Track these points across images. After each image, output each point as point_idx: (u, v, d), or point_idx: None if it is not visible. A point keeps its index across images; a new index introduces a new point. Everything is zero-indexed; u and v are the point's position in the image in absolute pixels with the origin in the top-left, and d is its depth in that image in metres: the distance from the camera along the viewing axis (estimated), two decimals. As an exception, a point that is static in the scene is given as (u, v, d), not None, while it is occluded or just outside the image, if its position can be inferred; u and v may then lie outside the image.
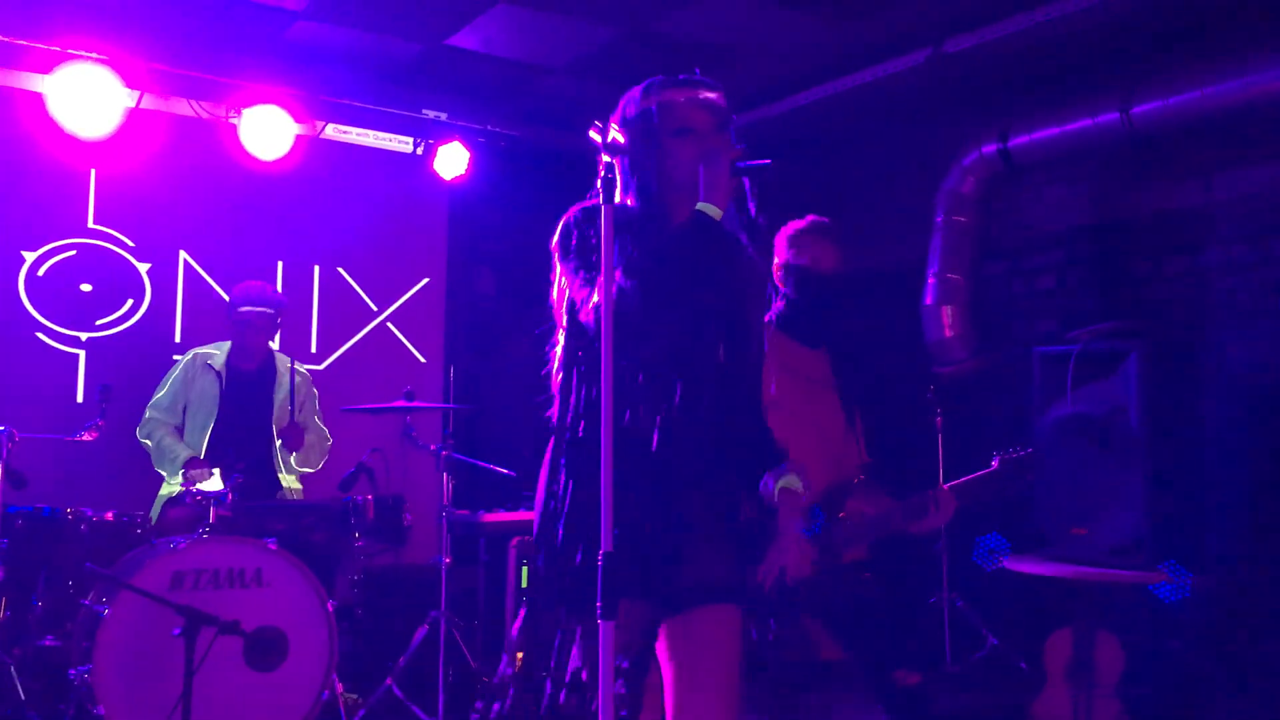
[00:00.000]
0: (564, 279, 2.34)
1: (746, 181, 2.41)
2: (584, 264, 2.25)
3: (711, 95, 2.42)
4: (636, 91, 2.47)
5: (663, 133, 2.38)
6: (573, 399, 2.29)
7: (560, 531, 2.19)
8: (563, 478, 2.22)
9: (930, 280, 5.92)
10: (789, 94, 6.14)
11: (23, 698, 4.05)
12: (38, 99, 5.35)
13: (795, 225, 3.37)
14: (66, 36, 5.22)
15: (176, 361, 5.21)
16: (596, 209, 2.20)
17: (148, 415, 5.07)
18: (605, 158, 2.18)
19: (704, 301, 2.30)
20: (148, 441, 5.05)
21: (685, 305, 2.27)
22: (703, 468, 2.30)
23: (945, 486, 3.26)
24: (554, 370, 2.40)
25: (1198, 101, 4.81)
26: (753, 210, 2.43)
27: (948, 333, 5.86)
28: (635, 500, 2.16)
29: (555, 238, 2.37)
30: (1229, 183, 5.05)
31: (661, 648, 2.29)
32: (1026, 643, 5.40)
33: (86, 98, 5.25)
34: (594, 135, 2.22)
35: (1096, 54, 5.24)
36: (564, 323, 2.37)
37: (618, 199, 2.37)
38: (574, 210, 2.36)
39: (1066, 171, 5.68)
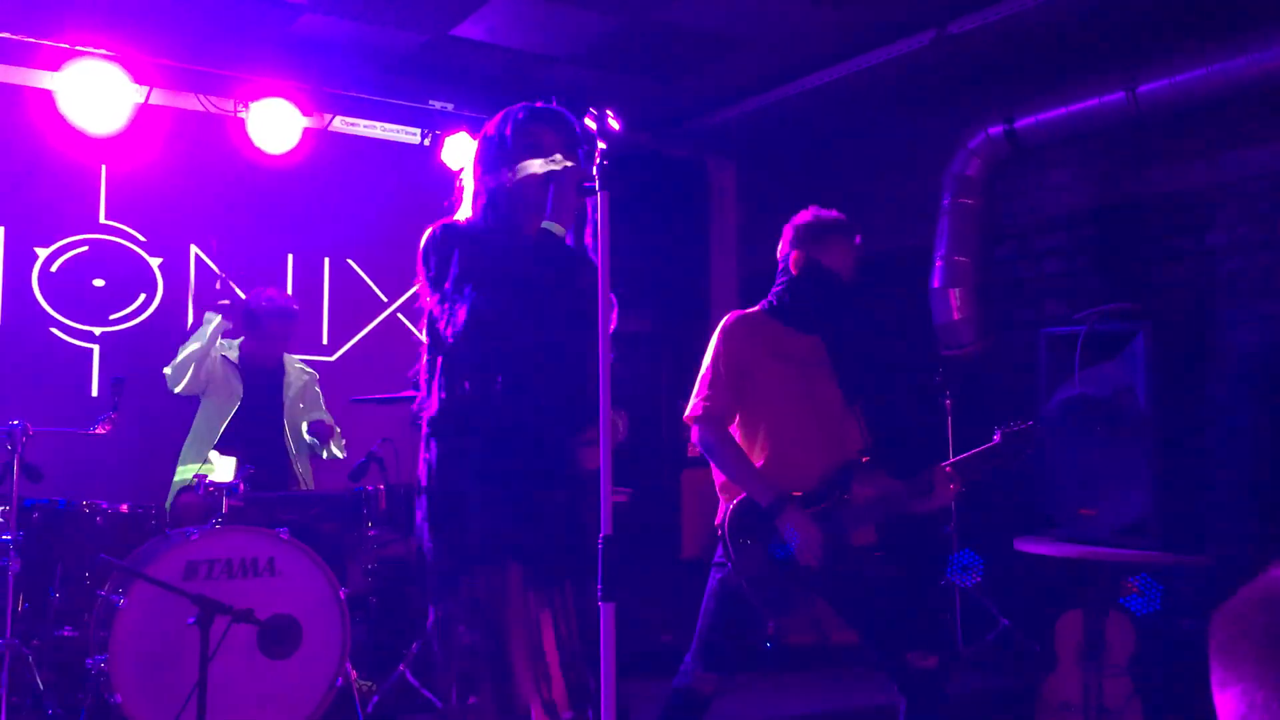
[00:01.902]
0: (424, 292, 2.58)
1: (589, 204, 2.55)
2: (439, 283, 2.52)
3: (564, 122, 2.66)
4: (497, 117, 2.72)
5: (516, 154, 2.60)
6: (433, 399, 2.52)
7: (426, 515, 2.47)
8: (426, 470, 2.49)
9: (938, 263, 5.92)
10: (793, 79, 6.14)
11: (41, 688, 4.10)
12: (47, 96, 5.39)
13: (817, 217, 3.33)
14: (75, 34, 5.25)
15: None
16: (454, 229, 2.55)
17: (178, 359, 5.09)
18: (601, 144, 2.20)
19: (547, 311, 2.47)
20: (178, 363, 5.05)
21: (531, 314, 2.45)
22: (555, 460, 2.50)
23: (946, 465, 3.27)
24: (422, 369, 2.62)
25: (1204, 80, 4.80)
26: (589, 235, 2.61)
27: (955, 315, 5.86)
28: (496, 493, 2.42)
29: (419, 250, 2.63)
30: (1236, 162, 5.03)
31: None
32: (1037, 624, 5.41)
33: (96, 94, 5.29)
34: (590, 123, 2.24)
35: (1101, 33, 5.23)
36: (426, 329, 2.59)
37: (468, 214, 2.64)
38: (434, 228, 2.62)
39: (1072, 152, 5.67)
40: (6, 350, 5.58)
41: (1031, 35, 5.26)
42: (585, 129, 2.50)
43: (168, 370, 5.06)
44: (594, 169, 2.29)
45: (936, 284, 5.91)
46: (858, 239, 3.34)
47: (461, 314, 2.40)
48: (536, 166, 2.55)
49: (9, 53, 5.35)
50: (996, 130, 5.61)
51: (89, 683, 3.94)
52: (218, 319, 5.03)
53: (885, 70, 5.75)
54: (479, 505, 2.43)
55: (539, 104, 2.70)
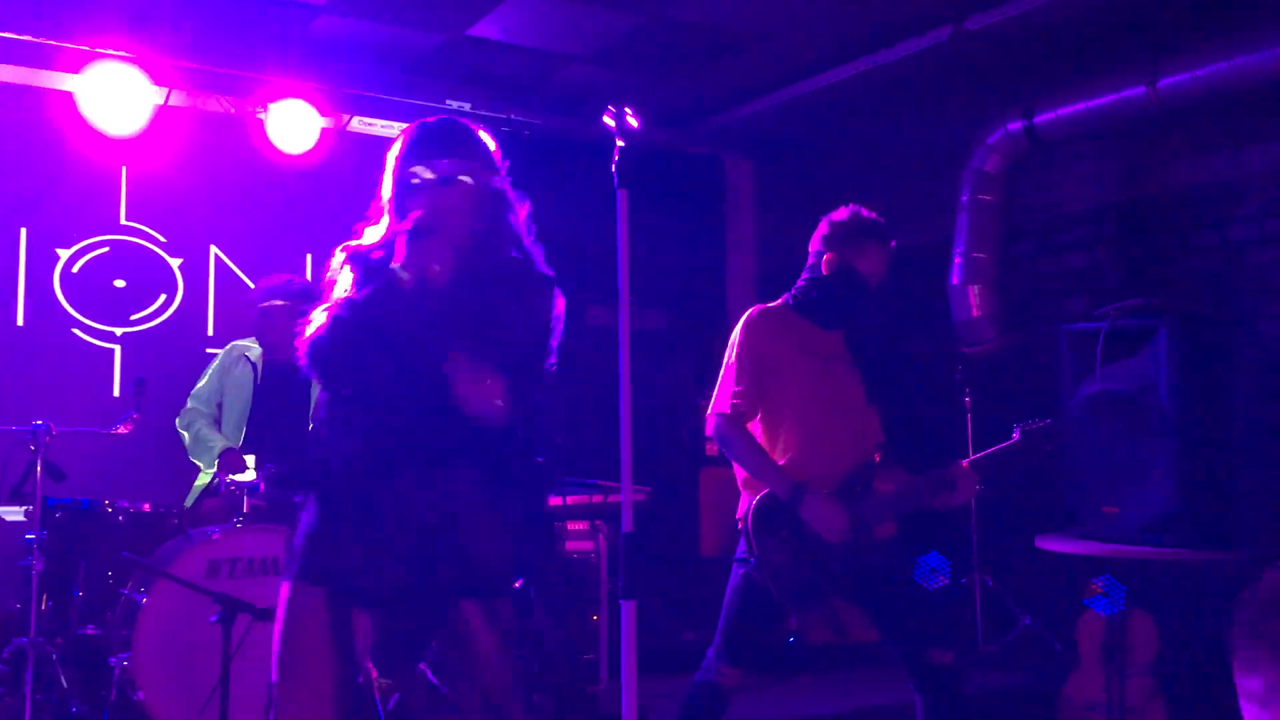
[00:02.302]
0: None
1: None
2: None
3: (445, 161, 2.51)
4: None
5: (401, 185, 2.54)
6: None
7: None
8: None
9: (956, 260, 5.89)
10: (810, 75, 6.12)
11: (65, 685, 4.12)
12: (68, 98, 5.42)
13: (857, 218, 3.30)
14: (95, 36, 5.28)
15: (215, 355, 5.27)
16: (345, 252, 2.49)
17: (188, 405, 5.13)
18: (620, 142, 2.19)
19: (397, 354, 2.33)
20: (185, 432, 5.11)
21: (375, 354, 2.33)
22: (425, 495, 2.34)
23: (965, 462, 3.26)
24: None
25: (1225, 73, 4.76)
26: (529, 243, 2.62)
27: (975, 312, 5.83)
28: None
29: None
30: (1259, 155, 4.99)
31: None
32: (1059, 622, 5.38)
33: (116, 96, 5.32)
34: (608, 120, 2.23)
35: (1121, 26, 5.19)
36: None
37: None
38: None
39: (1093, 147, 5.63)
40: (29, 351, 5.62)
41: (1050, 29, 5.23)
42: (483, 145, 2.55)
43: (181, 419, 5.10)
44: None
45: (955, 281, 5.88)
46: (893, 244, 3.32)
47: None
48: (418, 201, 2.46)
49: (30, 55, 5.39)
50: (1015, 126, 5.58)
51: (112, 681, 3.96)
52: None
53: (903, 66, 5.73)
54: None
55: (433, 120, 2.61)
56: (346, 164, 6.36)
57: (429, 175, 2.46)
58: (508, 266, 2.54)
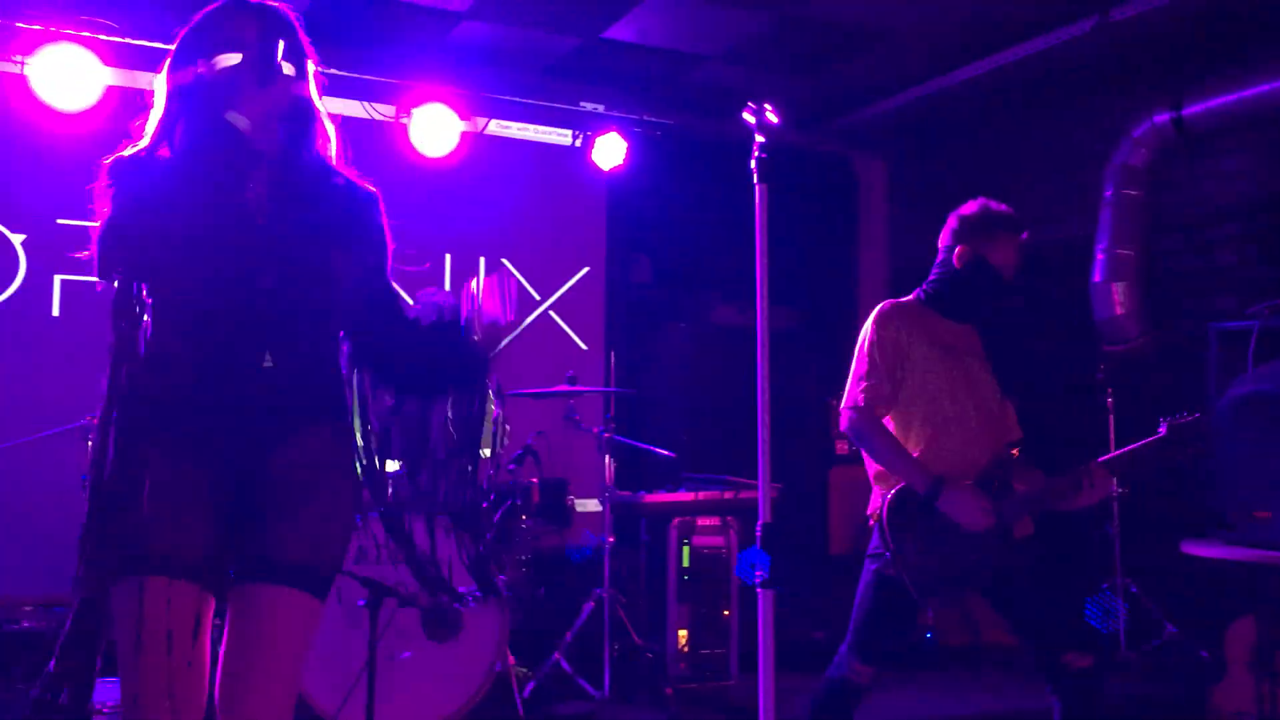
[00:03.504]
0: None
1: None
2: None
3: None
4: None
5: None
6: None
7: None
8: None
9: (1099, 256, 5.74)
10: (945, 71, 6.05)
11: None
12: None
13: (986, 210, 3.26)
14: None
15: None
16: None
17: None
18: (759, 138, 2.22)
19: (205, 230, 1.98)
20: None
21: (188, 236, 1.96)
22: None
23: (1099, 461, 3.19)
24: None
25: (1390, 60, 4.54)
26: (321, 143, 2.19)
27: (1118, 310, 5.68)
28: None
29: None
30: None
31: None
32: (1206, 630, 5.21)
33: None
34: (748, 117, 2.27)
35: (1275, 13, 4.99)
36: None
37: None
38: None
39: (1245, 139, 5.42)
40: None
41: (1200, 18, 5.06)
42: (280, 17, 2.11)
43: None
44: None
45: (1098, 278, 5.73)
46: (1025, 235, 3.28)
47: None
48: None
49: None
50: (1163, 118, 5.42)
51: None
52: None
53: (1043, 59, 5.62)
54: None
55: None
56: (484, 166, 6.55)
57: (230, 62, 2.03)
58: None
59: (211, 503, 1.98)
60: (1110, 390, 5.40)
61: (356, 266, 2.15)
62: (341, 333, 2.20)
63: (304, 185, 2.12)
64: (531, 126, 6.77)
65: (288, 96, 2.08)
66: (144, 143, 2.07)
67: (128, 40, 5.34)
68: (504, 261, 6.72)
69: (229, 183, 2.00)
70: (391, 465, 2.32)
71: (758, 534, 1.92)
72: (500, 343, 2.23)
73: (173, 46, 2.11)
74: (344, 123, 6.59)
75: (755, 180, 2.02)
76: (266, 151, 2.06)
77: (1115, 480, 3.20)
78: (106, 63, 5.28)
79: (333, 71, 5.82)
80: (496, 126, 6.66)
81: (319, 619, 2.05)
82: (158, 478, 1.90)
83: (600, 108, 6.54)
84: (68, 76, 5.18)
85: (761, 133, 2.25)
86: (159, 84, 2.10)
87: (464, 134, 6.16)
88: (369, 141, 6.25)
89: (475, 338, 2.20)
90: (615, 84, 6.40)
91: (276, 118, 2.08)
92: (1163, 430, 3.23)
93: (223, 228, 1.98)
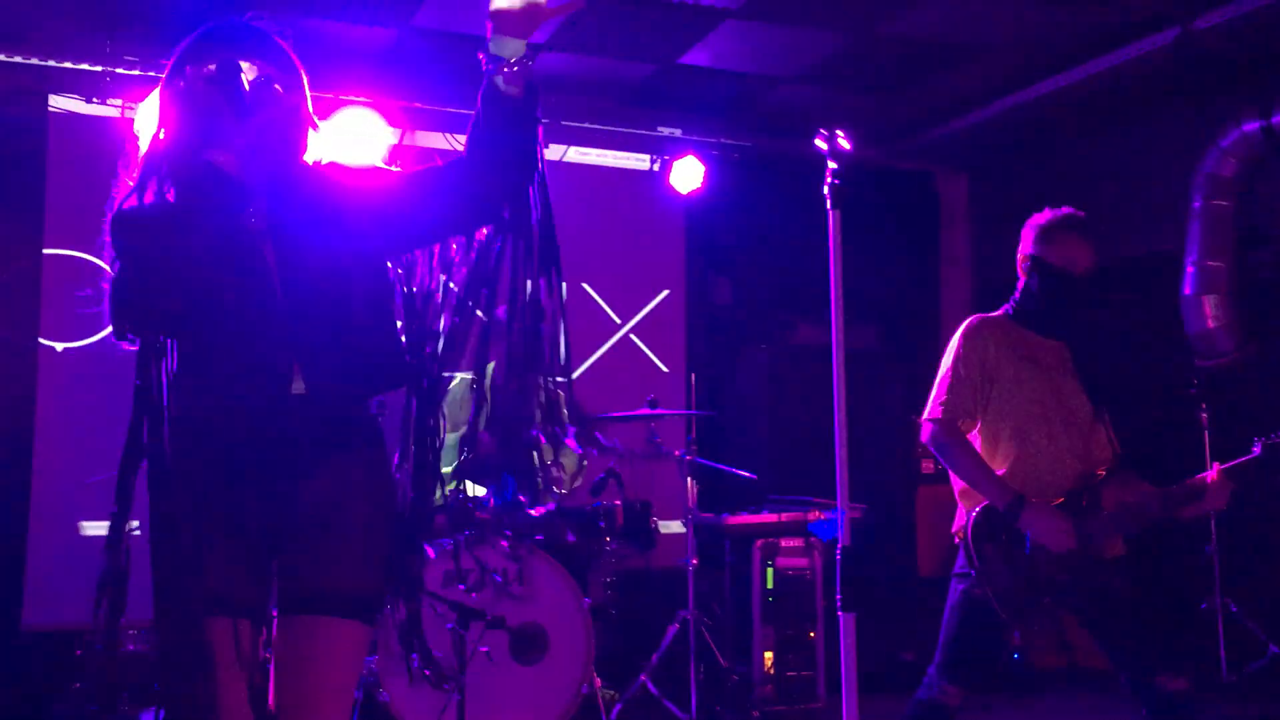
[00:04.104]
0: None
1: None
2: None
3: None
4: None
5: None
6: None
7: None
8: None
9: (1189, 269, 5.63)
10: (1026, 85, 5.99)
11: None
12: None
13: (1048, 216, 3.27)
14: (339, 86, 5.71)
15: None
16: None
17: None
18: (831, 164, 2.24)
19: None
20: None
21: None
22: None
23: (1220, 469, 3.11)
24: None
25: None
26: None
27: (1210, 324, 5.55)
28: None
29: None
30: None
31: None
32: (1312, 652, 5.05)
33: (357, 140, 5.72)
34: (819, 144, 2.29)
35: (1369, 17, 4.87)
36: None
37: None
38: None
39: (1340, 146, 5.28)
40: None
41: (1288, 24, 4.95)
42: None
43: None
44: None
45: (1188, 291, 5.61)
46: (1083, 229, 3.23)
47: None
48: None
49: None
50: (1252, 126, 5.30)
51: (361, 681, 4.26)
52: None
53: (1126, 71, 5.53)
54: None
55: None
56: (564, 192, 6.61)
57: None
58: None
59: (253, 538, 1.99)
60: (1204, 405, 5.27)
61: (366, 215, 2.07)
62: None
63: (300, 197, 2.06)
64: (610, 152, 6.85)
65: (269, 121, 2.01)
66: (132, 185, 2.04)
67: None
68: (584, 286, 6.81)
69: (223, 221, 1.96)
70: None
71: (838, 557, 1.93)
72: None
73: (162, 75, 2.07)
74: (427, 155, 6.76)
75: (829, 206, 2.03)
76: (254, 180, 2.00)
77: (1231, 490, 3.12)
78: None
79: (417, 106, 5.98)
80: (575, 154, 6.76)
81: (368, 645, 2.05)
82: (203, 519, 1.93)
83: (677, 132, 6.59)
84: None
85: (833, 159, 2.27)
86: (143, 117, 2.07)
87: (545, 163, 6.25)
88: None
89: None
90: (692, 108, 6.46)
91: (260, 144, 1.99)
92: (1257, 450, 3.16)
93: (226, 267, 1.94)
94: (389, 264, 2.15)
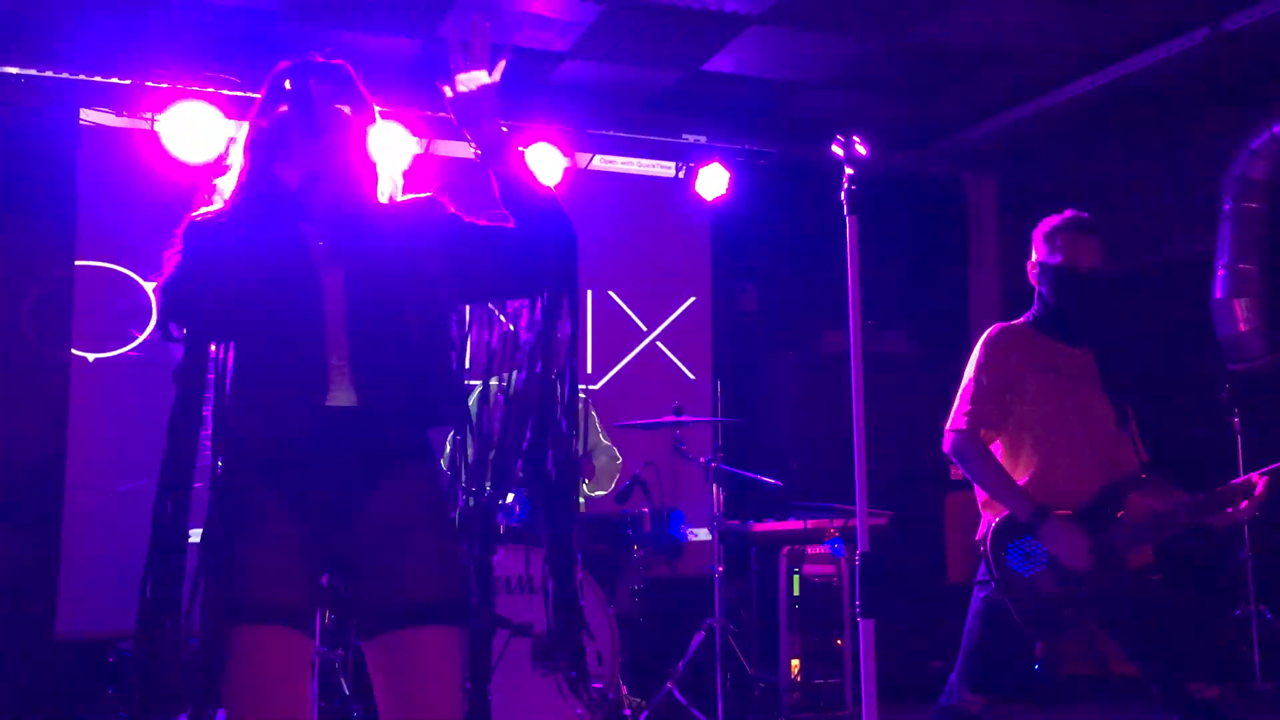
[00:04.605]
0: None
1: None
2: None
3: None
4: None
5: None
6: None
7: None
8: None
9: (1220, 272, 5.56)
10: (1054, 88, 5.96)
11: (348, 692, 4.49)
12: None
13: (1050, 221, 3.27)
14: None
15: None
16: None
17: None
18: (848, 170, 2.24)
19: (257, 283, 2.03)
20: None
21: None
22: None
23: (1258, 474, 3.06)
24: None
25: None
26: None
27: (1242, 327, 5.49)
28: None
29: None
30: None
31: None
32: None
33: (382, 148, 5.76)
34: (836, 150, 2.29)
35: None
36: None
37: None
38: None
39: (1374, 146, 5.21)
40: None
41: (1319, 24, 4.90)
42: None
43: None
44: None
45: (1219, 294, 5.55)
46: (1084, 227, 3.20)
47: None
48: None
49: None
50: (1283, 128, 5.24)
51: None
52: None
53: (1154, 73, 5.49)
54: None
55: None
56: (589, 200, 6.65)
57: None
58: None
59: (311, 552, 2.01)
60: (1236, 410, 5.21)
61: (442, 260, 2.16)
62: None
63: (363, 222, 2.14)
64: (635, 160, 6.87)
65: (338, 144, 2.11)
66: (218, 202, 2.16)
67: (249, 94, 5.61)
68: (611, 294, 6.82)
69: (283, 234, 2.06)
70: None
71: (857, 563, 1.92)
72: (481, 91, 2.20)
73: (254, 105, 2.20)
74: (451, 164, 6.80)
75: (846, 212, 2.03)
76: (317, 200, 2.11)
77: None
78: (229, 116, 5.55)
79: (440, 115, 6.01)
80: (600, 161, 6.77)
81: (464, 646, 2.07)
82: (259, 529, 1.98)
83: (702, 139, 6.60)
84: (194, 131, 5.46)
85: (850, 165, 2.27)
86: (236, 146, 2.18)
87: (567, 170, 6.27)
88: (476, 181, 6.41)
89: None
90: (717, 115, 6.46)
91: (327, 165, 2.10)
92: None
93: (283, 280, 2.02)
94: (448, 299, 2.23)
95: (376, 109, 2.24)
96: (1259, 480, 3.03)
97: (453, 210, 2.27)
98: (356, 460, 2.02)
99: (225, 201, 2.14)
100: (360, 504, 2.02)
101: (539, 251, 2.20)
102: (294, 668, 1.97)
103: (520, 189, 2.23)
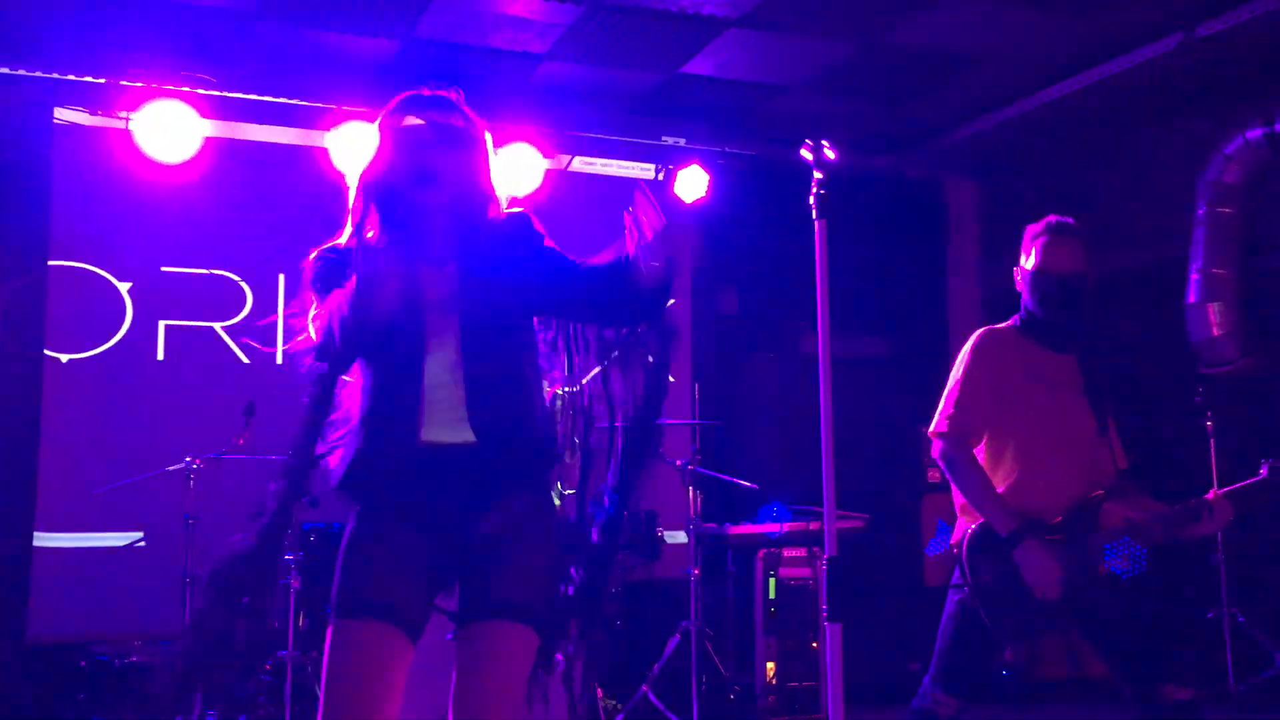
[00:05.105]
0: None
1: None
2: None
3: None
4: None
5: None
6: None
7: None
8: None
9: (1193, 276, 5.59)
10: (1031, 93, 5.98)
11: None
12: (321, 153, 5.89)
13: (1031, 228, 3.28)
14: (343, 94, 5.73)
15: None
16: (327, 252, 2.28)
17: None
18: (817, 174, 2.24)
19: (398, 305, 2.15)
20: None
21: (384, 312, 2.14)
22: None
23: (1221, 492, 3.09)
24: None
25: None
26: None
27: (1215, 331, 5.51)
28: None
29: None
30: None
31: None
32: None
33: (359, 150, 5.75)
34: (805, 154, 2.29)
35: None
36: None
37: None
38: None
39: (1347, 152, 5.24)
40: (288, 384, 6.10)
41: (1291, 31, 4.93)
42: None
43: None
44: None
45: (1193, 299, 5.58)
46: (1064, 231, 3.21)
47: None
48: None
49: (285, 115, 5.89)
50: (1255, 134, 5.27)
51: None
52: None
53: (1130, 78, 5.52)
54: None
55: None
56: (568, 202, 6.64)
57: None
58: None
59: (422, 562, 2.16)
60: (1209, 414, 5.23)
61: (540, 286, 2.28)
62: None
63: (484, 251, 2.25)
64: (614, 162, 6.86)
65: (459, 179, 2.24)
66: (347, 232, 2.28)
67: (224, 94, 5.58)
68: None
69: (417, 270, 2.17)
70: None
71: (822, 569, 1.92)
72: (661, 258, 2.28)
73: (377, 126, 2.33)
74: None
75: (814, 216, 2.03)
76: (454, 223, 2.24)
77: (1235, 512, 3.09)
78: (204, 115, 5.52)
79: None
80: (580, 163, 6.76)
81: (535, 650, 2.18)
82: (378, 541, 2.16)
83: (682, 141, 6.59)
84: (169, 130, 5.43)
85: (819, 169, 2.27)
86: (352, 177, 2.31)
87: (547, 171, 6.26)
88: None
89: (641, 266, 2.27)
90: (696, 117, 6.46)
91: (463, 188, 2.24)
92: (1264, 472, 3.13)
93: (416, 313, 2.15)
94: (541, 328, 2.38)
95: (489, 135, 2.36)
96: (1222, 502, 3.06)
97: (541, 230, 2.41)
98: (472, 491, 2.17)
99: (349, 237, 2.26)
100: (472, 527, 2.18)
101: (636, 309, 2.33)
102: (387, 661, 2.09)
103: (645, 278, 2.30)
